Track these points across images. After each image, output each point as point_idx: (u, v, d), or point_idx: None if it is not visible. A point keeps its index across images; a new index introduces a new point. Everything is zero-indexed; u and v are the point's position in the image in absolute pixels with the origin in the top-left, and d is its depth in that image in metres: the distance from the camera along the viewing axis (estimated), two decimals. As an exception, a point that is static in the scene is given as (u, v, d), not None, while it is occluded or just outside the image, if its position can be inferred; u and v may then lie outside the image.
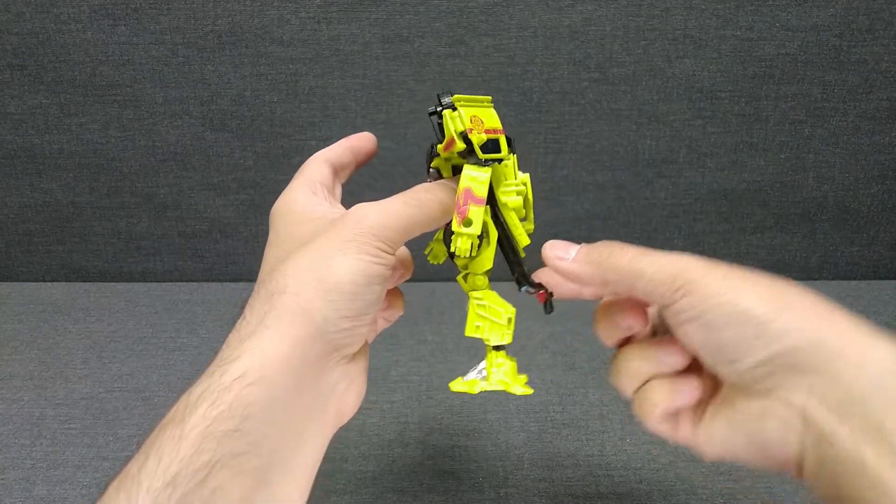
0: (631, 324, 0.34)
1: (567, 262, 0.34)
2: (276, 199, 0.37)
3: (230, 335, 0.30)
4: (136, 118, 0.72)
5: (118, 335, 0.69)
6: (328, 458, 0.52)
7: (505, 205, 0.35)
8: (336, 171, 0.39)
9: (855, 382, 0.26)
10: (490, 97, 0.35)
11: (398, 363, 0.64)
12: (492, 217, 0.35)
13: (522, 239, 0.35)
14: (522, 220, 0.36)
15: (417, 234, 0.33)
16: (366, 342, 0.38)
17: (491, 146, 0.33)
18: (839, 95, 0.72)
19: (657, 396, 0.33)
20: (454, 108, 0.33)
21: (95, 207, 0.77)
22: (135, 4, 0.67)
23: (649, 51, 0.69)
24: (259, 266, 0.34)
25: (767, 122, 0.73)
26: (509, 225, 0.35)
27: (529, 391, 0.35)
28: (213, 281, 0.79)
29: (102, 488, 0.26)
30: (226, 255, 0.78)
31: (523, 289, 0.36)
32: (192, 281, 0.80)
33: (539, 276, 0.37)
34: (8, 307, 0.75)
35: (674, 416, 0.34)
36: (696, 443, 0.33)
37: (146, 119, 0.72)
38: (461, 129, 0.32)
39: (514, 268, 0.36)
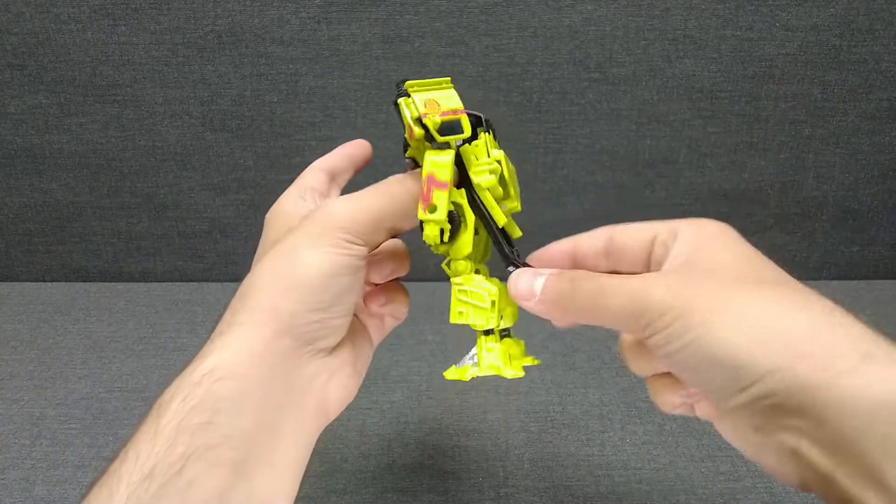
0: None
1: (532, 303, 0.32)
2: (277, 199, 0.37)
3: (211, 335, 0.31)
4: (136, 118, 0.72)
5: (118, 335, 0.69)
6: (328, 459, 0.52)
7: (478, 185, 0.33)
8: (333, 176, 0.40)
9: (843, 424, 0.23)
10: (449, 78, 0.34)
11: (398, 363, 0.64)
12: (468, 200, 0.34)
13: (499, 218, 0.34)
14: (503, 199, 0.35)
15: (391, 225, 0.33)
16: (367, 336, 0.38)
17: (450, 128, 0.32)
18: (839, 95, 0.72)
19: (669, 397, 0.32)
20: (409, 96, 0.32)
21: (95, 207, 0.77)
22: (135, 4, 0.67)
23: (649, 51, 0.69)
24: None
25: (767, 122, 0.73)
26: (486, 206, 0.34)
27: (520, 374, 0.34)
28: (213, 281, 0.79)
29: (88, 486, 0.27)
30: (226, 255, 0.78)
31: (509, 270, 0.35)
32: (192, 281, 0.80)
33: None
34: (8, 307, 0.75)
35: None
36: (716, 426, 0.31)
37: (146, 119, 0.72)
38: (416, 114, 0.32)
39: (498, 249, 0.35)
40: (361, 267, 0.32)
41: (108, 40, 0.68)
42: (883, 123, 0.73)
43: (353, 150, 0.41)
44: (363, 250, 0.32)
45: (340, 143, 0.42)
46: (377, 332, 0.40)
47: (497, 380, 0.61)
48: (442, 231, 0.33)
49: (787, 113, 0.73)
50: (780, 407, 0.25)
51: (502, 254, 0.35)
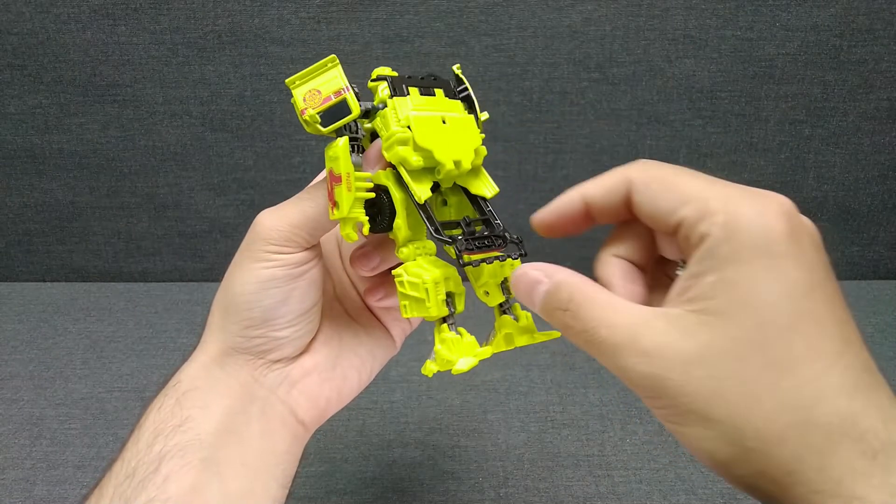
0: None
1: (538, 311, 0.28)
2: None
3: None
4: (136, 118, 0.72)
5: (118, 335, 0.69)
6: (328, 459, 0.52)
7: (390, 161, 0.30)
8: None
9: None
10: (333, 55, 0.30)
11: (398, 363, 0.64)
12: (395, 182, 0.31)
13: (417, 194, 0.30)
14: (431, 164, 0.30)
15: (322, 226, 0.32)
16: (375, 335, 0.37)
17: (334, 113, 0.30)
18: (839, 95, 0.72)
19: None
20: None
21: (95, 207, 0.77)
22: (135, 4, 0.67)
23: (649, 51, 0.69)
24: None
25: (767, 122, 0.73)
26: (404, 180, 0.30)
27: (465, 369, 0.29)
28: (213, 281, 0.79)
29: (86, 493, 0.30)
30: (226, 255, 0.78)
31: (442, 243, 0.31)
32: (192, 281, 0.80)
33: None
34: (8, 307, 0.75)
35: None
36: None
37: (146, 119, 0.72)
38: (298, 111, 0.30)
39: (430, 229, 0.31)
40: (296, 275, 0.32)
41: (108, 40, 0.68)
42: (883, 123, 0.73)
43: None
44: (295, 258, 0.31)
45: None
46: (399, 325, 0.38)
47: (497, 380, 0.61)
48: (362, 224, 0.30)
49: (787, 113, 0.73)
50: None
51: (428, 229, 0.31)
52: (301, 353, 0.34)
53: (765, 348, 0.21)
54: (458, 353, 0.30)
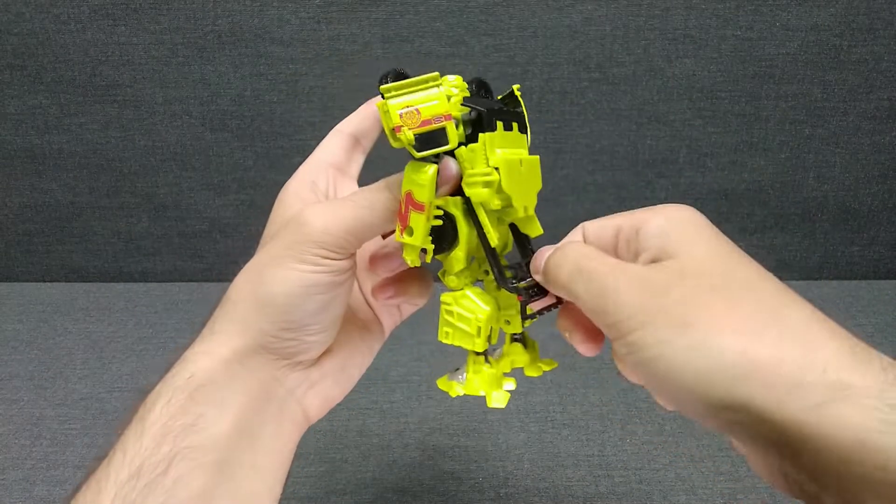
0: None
1: (539, 277, 0.30)
2: (277, 199, 0.36)
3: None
4: (136, 118, 0.72)
5: (118, 335, 0.69)
6: (328, 458, 0.52)
7: (471, 198, 0.30)
8: (356, 141, 0.38)
9: (819, 459, 0.21)
10: (437, 73, 0.29)
11: (398, 363, 0.64)
12: (464, 210, 0.30)
13: (492, 238, 0.30)
14: (505, 208, 0.30)
15: (374, 235, 0.31)
16: (373, 331, 0.37)
17: (430, 139, 0.28)
18: (839, 95, 0.72)
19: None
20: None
21: (95, 207, 0.77)
22: (135, 4, 0.67)
23: (649, 51, 0.69)
24: None
25: (767, 122, 0.73)
26: (481, 222, 0.30)
27: (502, 404, 0.32)
28: (213, 281, 0.79)
29: (77, 484, 0.28)
30: (226, 255, 0.78)
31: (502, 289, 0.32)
32: (192, 281, 0.80)
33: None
34: (8, 307, 0.75)
35: None
36: None
37: (146, 119, 0.72)
38: (391, 126, 0.28)
39: (492, 269, 0.31)
40: (340, 282, 0.30)
41: (108, 40, 0.68)
42: (883, 123, 0.73)
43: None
44: (342, 264, 0.30)
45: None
46: (391, 318, 0.38)
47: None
48: (426, 251, 0.30)
49: (787, 113, 0.73)
50: (756, 435, 0.23)
51: (495, 275, 0.31)
52: (321, 356, 0.34)
53: (703, 276, 0.25)
54: (491, 386, 0.32)
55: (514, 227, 0.33)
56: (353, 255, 0.31)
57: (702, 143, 0.74)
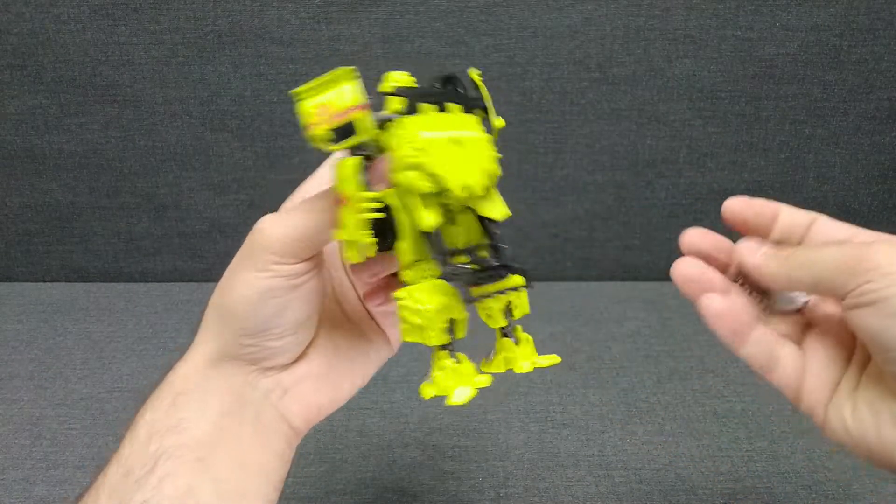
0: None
1: (758, 258, 0.32)
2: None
3: None
4: (136, 118, 0.72)
5: (118, 335, 0.69)
6: (328, 458, 0.52)
7: (396, 184, 0.29)
8: None
9: None
10: (350, 69, 0.29)
11: (398, 363, 0.63)
12: (401, 202, 0.30)
13: (422, 220, 0.28)
14: (437, 190, 0.28)
15: (326, 240, 0.31)
16: (373, 340, 0.37)
17: (343, 132, 0.28)
18: (839, 95, 0.72)
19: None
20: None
21: (95, 207, 0.77)
22: (135, 4, 0.67)
23: (649, 51, 0.69)
24: None
25: (767, 122, 0.73)
26: (409, 207, 0.29)
27: (461, 401, 0.29)
28: (213, 281, 0.78)
29: (80, 492, 0.30)
30: (226, 255, 0.77)
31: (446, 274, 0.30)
32: (192, 281, 0.80)
33: (677, 266, 0.33)
34: (8, 307, 0.75)
35: (792, 375, 0.32)
36: (820, 416, 0.31)
37: (146, 119, 0.72)
38: (304, 125, 0.28)
39: (433, 257, 0.30)
40: (296, 286, 0.31)
41: (108, 40, 0.68)
42: (883, 123, 0.73)
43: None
44: (296, 268, 0.31)
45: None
46: (394, 328, 0.38)
47: (497, 380, 0.61)
48: (357, 249, 0.30)
49: (787, 113, 0.73)
50: None
51: (438, 263, 0.30)
52: (295, 361, 0.34)
53: None
54: (456, 382, 0.29)
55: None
56: (310, 259, 0.31)
57: (702, 143, 0.74)
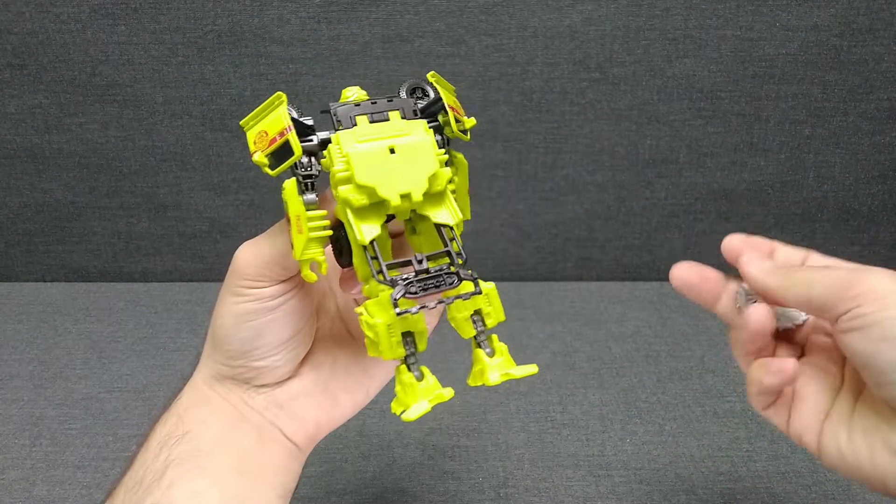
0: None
1: (759, 270, 0.33)
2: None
3: None
4: (136, 118, 0.72)
5: (118, 335, 0.69)
6: (328, 459, 0.52)
7: (337, 199, 0.29)
8: None
9: None
10: (280, 94, 0.30)
11: (398, 363, 0.64)
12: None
13: (358, 235, 0.28)
14: (371, 199, 0.28)
15: (290, 261, 0.31)
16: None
17: (280, 155, 0.29)
18: (839, 95, 0.72)
19: (753, 372, 0.33)
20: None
21: (95, 207, 0.77)
22: (135, 4, 0.67)
23: (649, 51, 0.69)
24: None
25: (767, 122, 0.73)
26: (345, 222, 0.29)
27: (411, 418, 0.28)
28: (213, 281, 0.79)
29: (102, 489, 0.32)
30: (226, 255, 0.77)
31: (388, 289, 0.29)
32: (192, 281, 0.80)
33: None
34: (8, 307, 0.75)
35: (782, 404, 0.33)
36: (814, 444, 0.32)
37: (146, 119, 0.72)
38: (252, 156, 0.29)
39: (370, 268, 0.29)
40: (271, 308, 0.32)
41: (108, 40, 0.68)
42: (883, 123, 0.73)
43: None
44: (270, 291, 0.31)
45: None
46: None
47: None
48: (319, 263, 0.29)
49: (787, 113, 0.73)
50: None
51: (373, 274, 0.29)
52: (289, 378, 0.35)
53: None
54: (412, 397, 0.28)
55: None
56: (283, 281, 0.32)
57: (702, 143, 0.74)
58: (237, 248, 0.33)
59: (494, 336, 0.31)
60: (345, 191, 0.28)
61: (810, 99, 0.72)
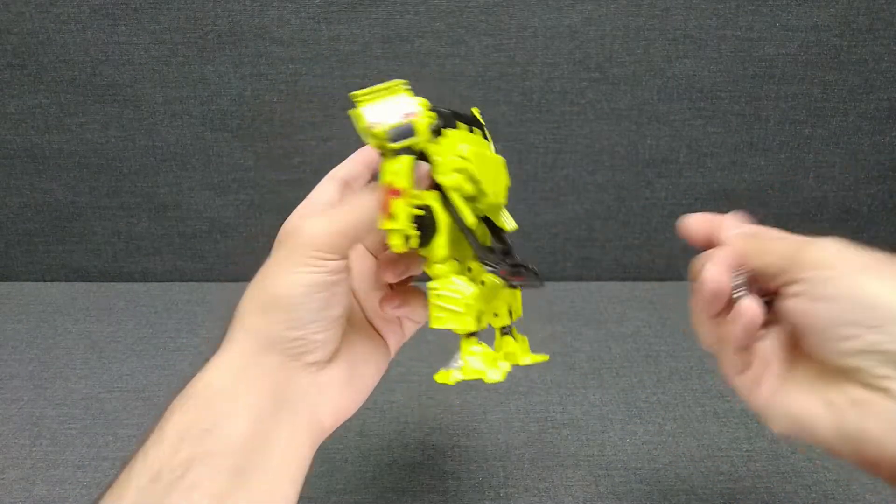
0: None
1: (729, 234, 0.35)
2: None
3: None
4: (136, 118, 0.72)
5: (118, 335, 0.69)
6: (328, 459, 0.52)
7: (443, 185, 0.33)
8: (348, 184, 0.40)
9: None
10: (404, 81, 0.33)
11: (398, 363, 0.63)
12: (441, 201, 0.33)
13: (468, 218, 0.33)
14: (477, 196, 0.33)
15: (363, 234, 0.33)
16: (378, 347, 0.39)
17: (402, 133, 0.32)
18: (839, 95, 0.72)
19: (737, 363, 0.33)
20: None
21: (95, 207, 0.77)
22: (135, 4, 0.67)
23: (649, 51, 0.69)
24: (259, 266, 0.35)
25: (767, 122, 0.73)
26: (455, 205, 0.33)
27: (499, 378, 0.34)
28: (213, 281, 0.79)
29: (102, 489, 0.29)
30: (226, 255, 0.78)
31: (486, 267, 0.35)
32: (192, 281, 0.80)
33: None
34: (8, 307, 0.75)
35: (754, 374, 0.33)
36: (771, 408, 0.32)
37: (146, 119, 0.72)
38: (364, 126, 0.32)
39: (473, 249, 0.34)
40: (337, 281, 0.33)
41: (108, 40, 0.68)
42: (883, 123, 0.73)
43: (370, 156, 0.41)
44: (337, 264, 0.33)
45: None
46: (395, 337, 0.40)
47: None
48: (410, 237, 0.33)
49: (787, 113, 0.73)
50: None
51: (477, 255, 0.34)
52: (328, 361, 0.35)
53: None
54: (489, 364, 0.34)
55: (490, 224, 0.36)
56: (346, 256, 0.33)
57: (702, 143, 0.74)
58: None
59: (515, 328, 0.37)
60: (459, 178, 0.32)
61: (810, 99, 0.72)
